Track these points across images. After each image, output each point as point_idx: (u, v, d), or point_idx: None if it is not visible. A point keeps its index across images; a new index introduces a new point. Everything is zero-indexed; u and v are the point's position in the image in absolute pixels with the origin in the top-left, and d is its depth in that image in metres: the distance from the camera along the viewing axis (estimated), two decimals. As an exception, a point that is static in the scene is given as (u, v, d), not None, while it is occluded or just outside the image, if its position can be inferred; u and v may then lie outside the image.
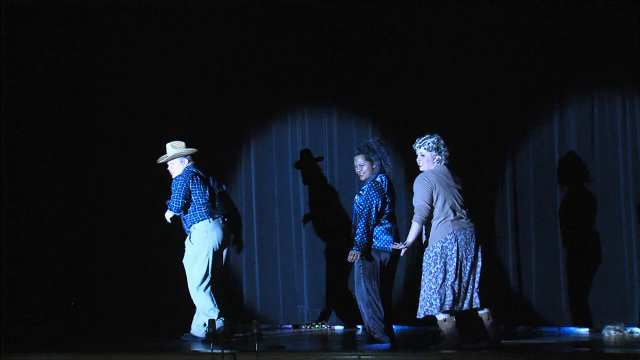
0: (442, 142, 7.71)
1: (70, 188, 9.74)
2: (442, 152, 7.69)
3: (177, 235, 8.84)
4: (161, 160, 8.63)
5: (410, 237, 7.59)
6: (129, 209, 9.70)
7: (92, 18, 9.81)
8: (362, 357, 7.15)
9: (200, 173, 8.54)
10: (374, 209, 7.82)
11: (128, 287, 9.66)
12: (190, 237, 8.48)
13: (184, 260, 8.52)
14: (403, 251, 7.71)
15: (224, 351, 7.09)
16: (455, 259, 7.48)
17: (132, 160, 9.73)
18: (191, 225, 8.46)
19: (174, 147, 8.60)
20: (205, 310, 8.37)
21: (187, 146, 8.60)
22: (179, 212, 8.45)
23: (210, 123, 9.80)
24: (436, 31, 9.39)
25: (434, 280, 7.51)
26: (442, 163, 7.70)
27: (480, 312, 7.63)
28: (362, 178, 8.01)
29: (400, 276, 9.12)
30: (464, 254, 7.51)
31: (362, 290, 7.83)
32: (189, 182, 8.43)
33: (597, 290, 8.91)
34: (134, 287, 9.65)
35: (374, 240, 7.84)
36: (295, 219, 9.76)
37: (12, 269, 9.42)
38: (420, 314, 7.58)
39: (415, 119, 9.30)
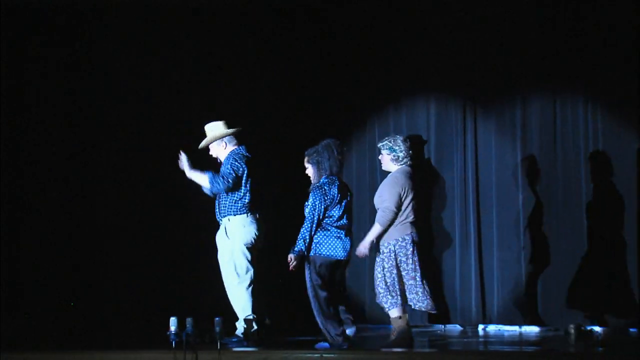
0: (401, 143, 7.62)
1: (71, 187, 9.60)
2: (402, 154, 7.63)
3: (176, 234, 8.83)
4: (201, 145, 7.90)
5: (369, 237, 7.55)
6: (130, 208, 9.55)
7: (99, 17, 9.59)
8: (324, 355, 7.13)
9: (249, 156, 7.83)
10: (316, 213, 7.50)
11: (128, 287, 9.50)
12: (225, 231, 7.81)
13: (219, 257, 7.86)
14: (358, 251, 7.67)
15: (186, 350, 7.06)
16: (410, 259, 7.45)
17: (133, 159, 9.56)
18: (226, 216, 7.78)
19: (211, 130, 7.86)
20: (240, 308, 7.78)
21: (231, 127, 7.88)
22: (213, 194, 7.70)
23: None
24: (405, 23, 9.51)
25: (388, 275, 7.47)
26: (404, 164, 7.64)
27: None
28: (313, 181, 7.73)
29: (365, 275, 9.19)
30: (418, 254, 7.49)
31: (311, 297, 7.56)
32: (240, 164, 7.72)
33: (558, 289, 8.98)
34: (134, 287, 9.50)
35: (319, 246, 7.51)
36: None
37: (12, 268, 9.32)
38: (390, 308, 7.50)
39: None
